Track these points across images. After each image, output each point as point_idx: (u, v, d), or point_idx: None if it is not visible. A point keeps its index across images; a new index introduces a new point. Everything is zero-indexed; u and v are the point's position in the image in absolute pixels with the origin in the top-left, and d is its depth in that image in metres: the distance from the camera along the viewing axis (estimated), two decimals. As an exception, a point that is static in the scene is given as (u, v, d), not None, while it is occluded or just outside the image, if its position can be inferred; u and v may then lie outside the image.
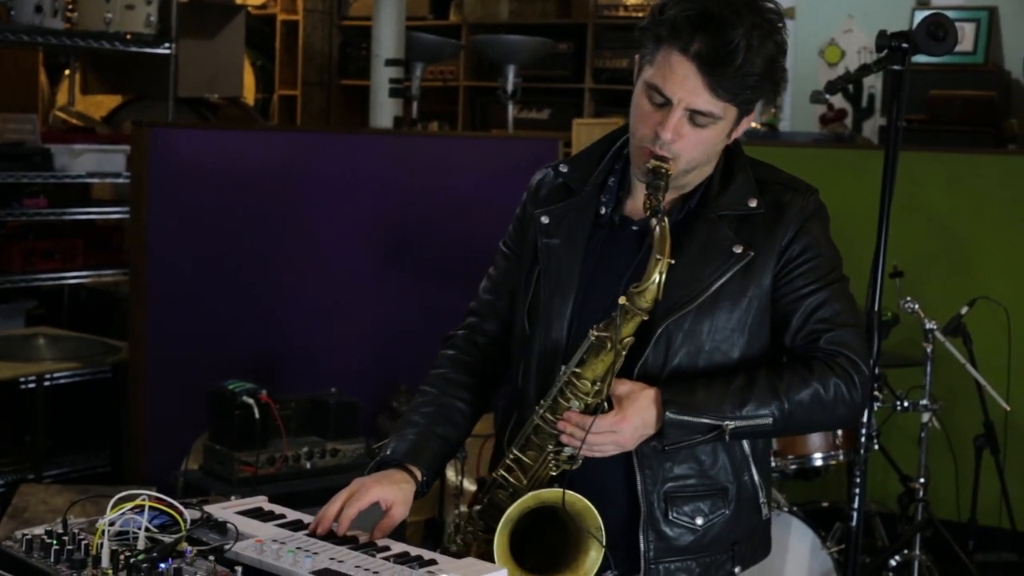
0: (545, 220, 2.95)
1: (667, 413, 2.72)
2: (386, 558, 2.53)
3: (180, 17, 7.17)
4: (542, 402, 2.80)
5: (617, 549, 2.81)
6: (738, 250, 2.81)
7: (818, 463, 5.10)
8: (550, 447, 2.80)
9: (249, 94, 10.68)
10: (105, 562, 2.41)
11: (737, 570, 2.94)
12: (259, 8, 11.25)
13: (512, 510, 2.71)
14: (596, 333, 2.70)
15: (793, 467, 5.11)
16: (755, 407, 2.76)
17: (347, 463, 4.85)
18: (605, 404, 2.73)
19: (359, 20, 10.89)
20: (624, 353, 2.72)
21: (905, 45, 3.78)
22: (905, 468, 5.60)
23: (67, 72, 8.81)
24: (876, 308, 3.85)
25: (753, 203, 2.85)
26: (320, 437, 4.91)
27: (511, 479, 2.87)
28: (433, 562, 2.52)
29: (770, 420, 2.77)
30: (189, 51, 7.84)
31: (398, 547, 2.62)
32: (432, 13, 10.67)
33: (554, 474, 2.81)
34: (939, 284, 6.17)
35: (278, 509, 2.85)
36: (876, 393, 4.33)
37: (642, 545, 2.84)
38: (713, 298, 2.80)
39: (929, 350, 5.21)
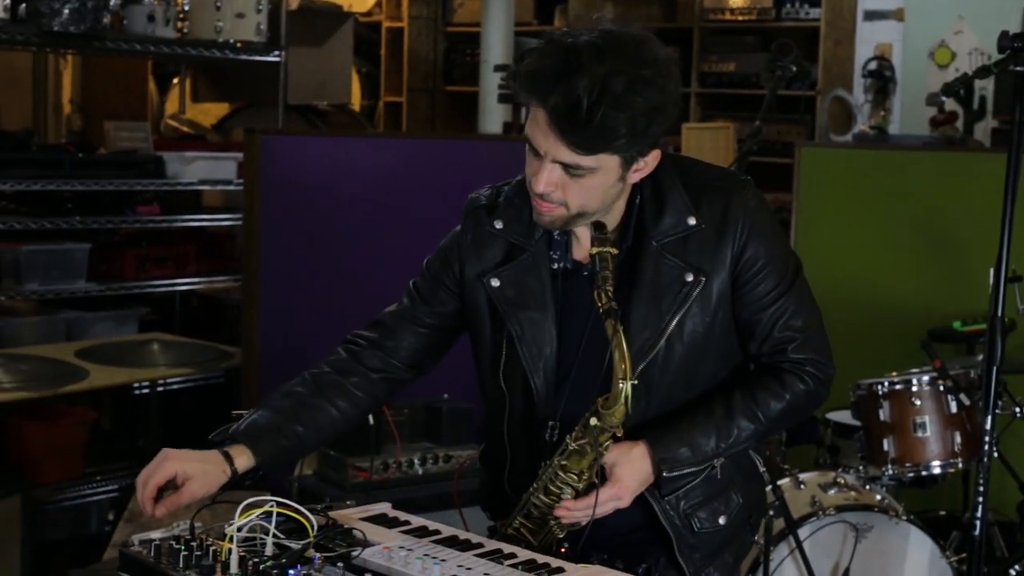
0: (496, 283, 2.90)
1: (663, 472, 2.79)
2: (513, 565, 2.52)
3: (289, 25, 7.22)
4: (535, 485, 2.83)
5: (657, 567, 2.92)
6: (689, 278, 2.79)
7: (936, 471, 5.02)
8: (552, 522, 2.83)
9: (355, 101, 10.73)
10: (234, 568, 2.42)
11: (756, 536, 3.16)
12: (364, 15, 11.29)
13: None
14: (574, 444, 2.74)
15: (910, 475, 5.04)
16: (738, 435, 2.84)
17: (460, 469, 4.83)
18: (596, 480, 2.76)
19: (464, 26, 10.91)
20: (605, 451, 2.73)
21: (1028, 46, 3.73)
22: (1024, 476, 5.51)
23: (175, 80, 8.90)
24: (999, 314, 3.79)
25: (692, 221, 2.81)
26: (433, 443, 4.91)
27: (520, 537, 2.89)
28: (561, 570, 2.51)
29: (752, 442, 2.90)
30: (298, 58, 7.89)
31: (525, 554, 2.61)
32: (537, 18, 10.66)
33: (561, 536, 2.85)
34: (1057, 288, 6.05)
35: (403, 515, 2.84)
36: (997, 400, 4.26)
37: (684, 565, 2.91)
38: (678, 329, 2.80)
39: (1049, 355, 5.14)
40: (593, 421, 2.69)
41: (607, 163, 2.66)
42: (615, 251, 2.71)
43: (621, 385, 2.62)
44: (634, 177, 2.76)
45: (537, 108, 2.63)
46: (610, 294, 2.64)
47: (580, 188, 2.68)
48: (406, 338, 3.06)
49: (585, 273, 2.85)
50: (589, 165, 2.64)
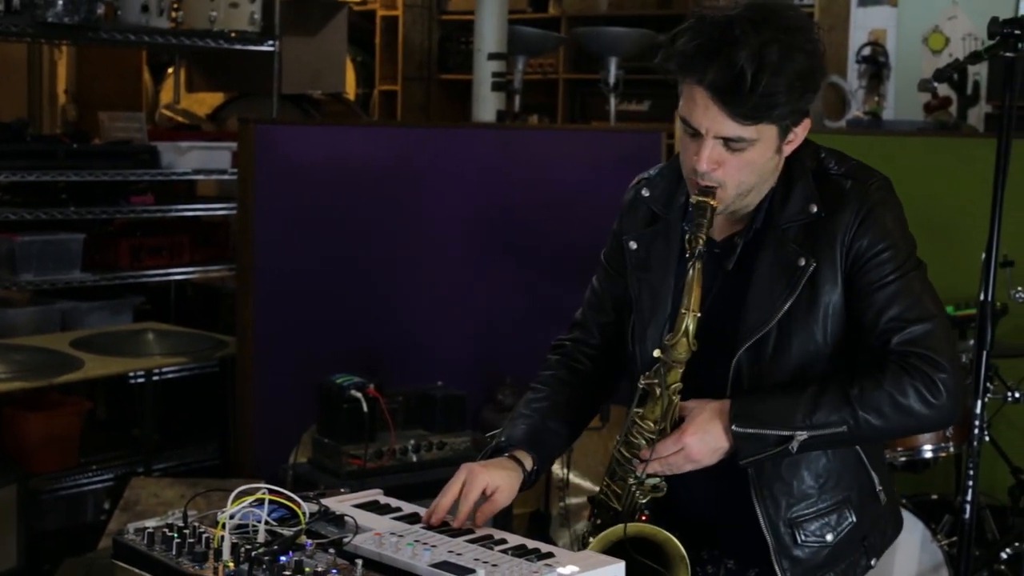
0: (633, 246, 2.95)
1: (733, 426, 2.70)
2: (504, 551, 2.53)
3: (283, 14, 7.23)
4: (617, 438, 2.85)
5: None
6: (802, 262, 2.74)
7: (928, 455, 5.04)
8: (631, 480, 2.84)
9: (349, 90, 10.74)
10: (226, 555, 2.44)
11: (873, 562, 2.95)
12: (359, 4, 11.30)
13: (596, 543, 2.79)
14: (643, 383, 2.77)
15: (903, 459, 5.06)
16: (826, 414, 2.67)
17: (454, 456, 4.85)
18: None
19: (458, 15, 10.92)
20: (676, 398, 2.75)
21: (1018, 32, 3.75)
22: (1016, 460, 5.52)
23: (170, 70, 8.90)
24: (990, 298, 3.81)
25: (814, 208, 2.77)
26: (427, 430, 4.93)
27: (609, 503, 2.92)
28: (550, 555, 2.52)
29: (844, 428, 2.68)
30: (292, 48, 7.89)
31: (515, 539, 2.62)
32: (531, 6, 10.66)
33: (643, 502, 2.86)
34: (1049, 273, 6.06)
35: (394, 502, 2.86)
36: (988, 384, 4.27)
37: (779, 573, 2.85)
38: (788, 316, 2.75)
39: (1041, 340, 5.15)
40: (656, 353, 2.72)
41: (766, 133, 2.68)
42: (716, 203, 2.70)
43: (685, 317, 2.67)
44: (787, 150, 2.77)
45: (693, 87, 2.65)
46: (702, 239, 2.67)
47: (739, 163, 2.69)
48: (608, 318, 3.12)
49: (716, 250, 2.85)
50: (750, 136, 2.66)
